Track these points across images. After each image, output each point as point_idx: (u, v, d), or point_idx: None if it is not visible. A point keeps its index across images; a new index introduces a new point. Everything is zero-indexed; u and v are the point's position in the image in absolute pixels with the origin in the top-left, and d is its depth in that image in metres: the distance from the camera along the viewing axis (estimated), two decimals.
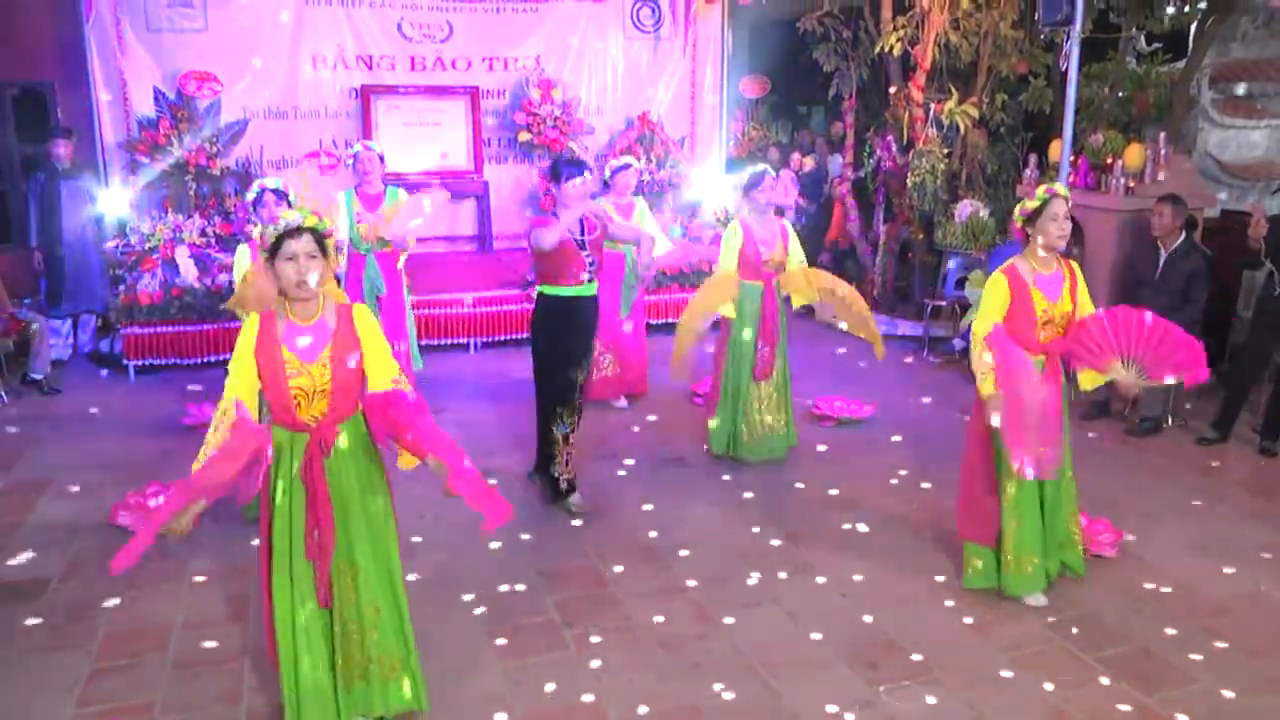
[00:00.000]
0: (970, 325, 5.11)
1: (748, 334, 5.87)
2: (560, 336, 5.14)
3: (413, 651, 3.45)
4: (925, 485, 5.67)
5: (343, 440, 3.26)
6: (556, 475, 5.28)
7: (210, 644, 4.02)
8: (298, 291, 3.14)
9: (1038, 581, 4.35)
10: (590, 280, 5.13)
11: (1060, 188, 4.19)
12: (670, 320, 9.39)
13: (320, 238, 3.17)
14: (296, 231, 3.12)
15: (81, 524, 5.14)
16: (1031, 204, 4.19)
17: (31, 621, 4.20)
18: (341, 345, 3.22)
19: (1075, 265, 4.33)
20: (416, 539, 4.93)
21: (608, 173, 7.18)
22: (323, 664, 3.31)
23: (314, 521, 3.22)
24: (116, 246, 8.39)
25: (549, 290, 5.13)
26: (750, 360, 5.88)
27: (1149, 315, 4.06)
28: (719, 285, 5.80)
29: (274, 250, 3.12)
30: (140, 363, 7.90)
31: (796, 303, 6.03)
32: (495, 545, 4.92)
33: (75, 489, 5.61)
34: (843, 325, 6.13)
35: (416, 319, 7.31)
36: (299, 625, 3.27)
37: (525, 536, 5.03)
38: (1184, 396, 6.80)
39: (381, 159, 6.69)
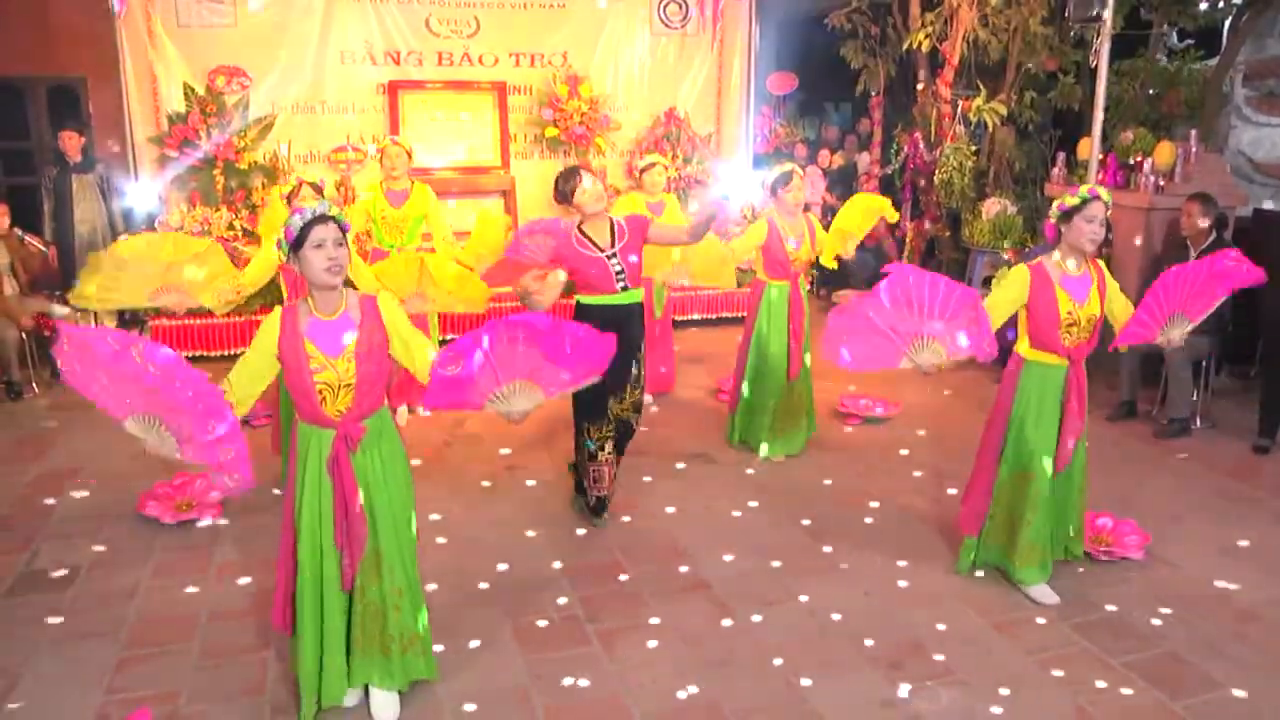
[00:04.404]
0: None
1: (775, 333, 5.86)
2: None
3: (426, 626, 3.57)
4: (949, 484, 5.64)
5: (367, 434, 3.29)
6: (586, 490, 5.12)
7: (235, 635, 4.05)
8: (326, 277, 3.15)
9: (1046, 572, 4.38)
10: (625, 288, 4.82)
11: (1104, 192, 4.09)
12: (696, 315, 9.44)
13: (343, 228, 3.19)
14: (322, 219, 3.13)
15: (109, 514, 5.20)
16: (1071, 200, 4.09)
17: (61, 610, 4.24)
18: (367, 339, 3.23)
19: (1103, 265, 4.28)
20: (443, 531, 4.96)
21: (635, 173, 7.20)
22: (340, 642, 3.39)
23: (342, 513, 3.26)
24: None
25: (583, 300, 4.88)
26: (779, 359, 5.87)
27: (1188, 269, 4.01)
28: (720, 265, 5.83)
29: (300, 239, 3.13)
30: None
31: (827, 259, 6.15)
32: (518, 540, 4.94)
33: (103, 479, 5.66)
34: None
35: (441, 315, 7.32)
36: (326, 608, 3.34)
37: (548, 531, 5.04)
38: (1211, 399, 6.74)
39: (409, 155, 6.70)
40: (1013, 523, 4.37)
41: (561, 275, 4.72)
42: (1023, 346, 4.29)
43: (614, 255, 4.79)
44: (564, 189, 4.85)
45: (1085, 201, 4.06)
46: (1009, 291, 4.18)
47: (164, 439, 3.01)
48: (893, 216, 6.22)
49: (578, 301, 4.91)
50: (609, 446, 4.97)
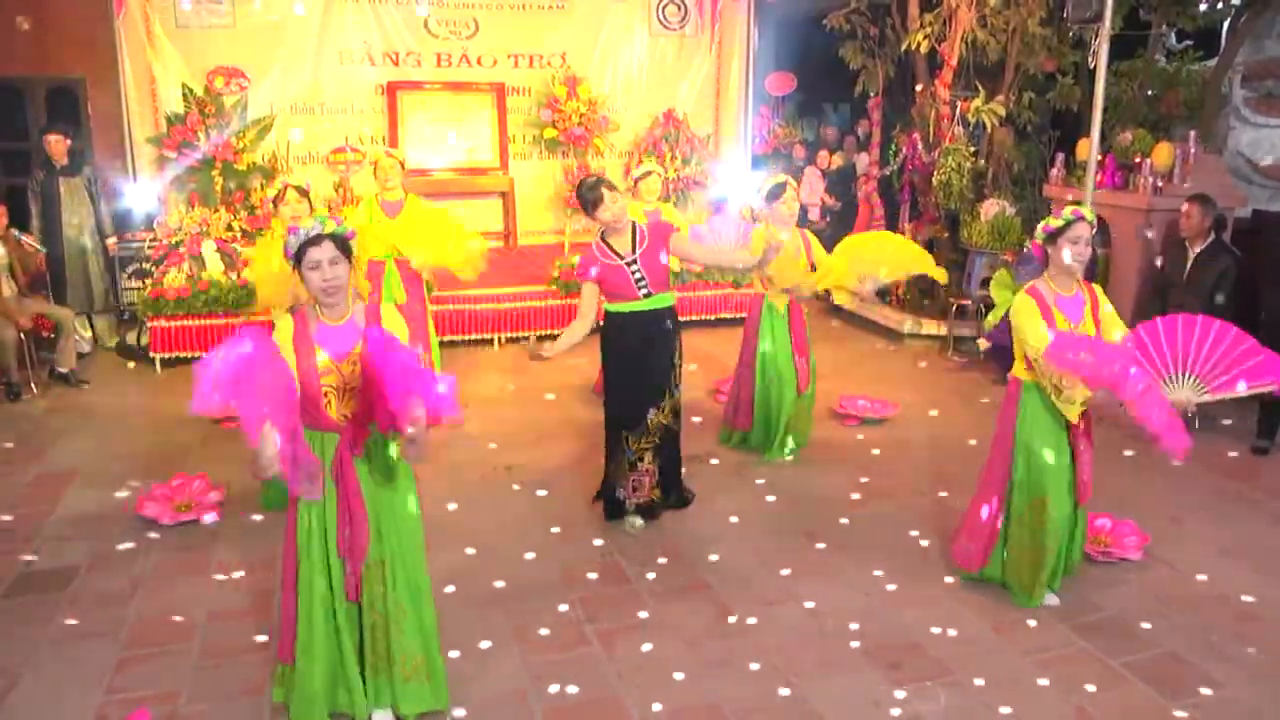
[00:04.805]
0: (993, 327, 5.06)
1: (781, 349, 5.85)
2: (620, 356, 4.94)
3: (435, 652, 3.49)
4: (947, 485, 5.64)
5: (372, 441, 3.29)
6: (621, 498, 5.06)
7: (234, 636, 4.05)
8: (325, 298, 3.19)
9: (1054, 583, 4.38)
10: (648, 294, 4.83)
11: (1088, 212, 4.06)
12: (695, 316, 9.40)
13: (342, 242, 3.20)
14: (318, 239, 3.15)
15: (108, 515, 5.19)
16: (1055, 222, 4.07)
17: (61, 610, 4.24)
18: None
19: (1098, 288, 4.24)
20: (440, 532, 4.94)
21: (630, 180, 7.18)
22: (354, 659, 3.37)
23: (345, 519, 3.26)
24: (143, 241, 8.47)
25: (610, 308, 4.91)
26: (788, 375, 5.86)
27: (1215, 323, 3.90)
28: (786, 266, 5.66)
29: (298, 259, 3.16)
30: (167, 355, 7.98)
31: (840, 299, 6.06)
32: (519, 540, 4.93)
33: (102, 480, 5.66)
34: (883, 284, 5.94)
35: (439, 315, 7.33)
36: (336, 620, 3.32)
37: (547, 532, 5.04)
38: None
39: (402, 166, 6.73)
40: (1034, 554, 4.26)
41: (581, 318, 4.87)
42: (1019, 369, 4.22)
43: (634, 262, 4.80)
44: (587, 198, 4.83)
45: (1069, 223, 4.04)
46: (1032, 318, 4.06)
47: (270, 442, 2.81)
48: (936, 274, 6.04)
49: (606, 310, 4.93)
50: (648, 457, 4.98)
